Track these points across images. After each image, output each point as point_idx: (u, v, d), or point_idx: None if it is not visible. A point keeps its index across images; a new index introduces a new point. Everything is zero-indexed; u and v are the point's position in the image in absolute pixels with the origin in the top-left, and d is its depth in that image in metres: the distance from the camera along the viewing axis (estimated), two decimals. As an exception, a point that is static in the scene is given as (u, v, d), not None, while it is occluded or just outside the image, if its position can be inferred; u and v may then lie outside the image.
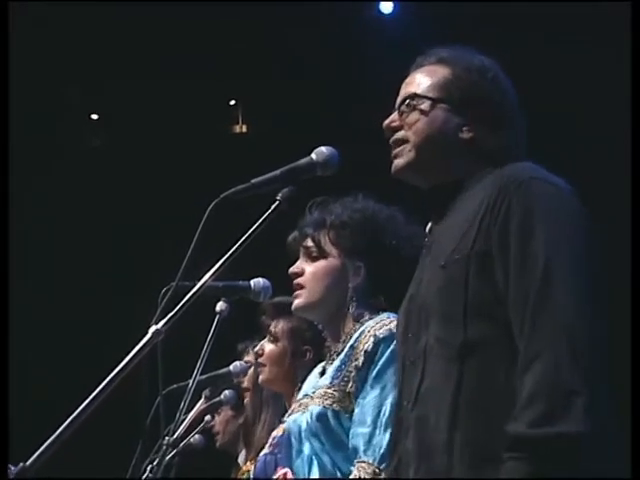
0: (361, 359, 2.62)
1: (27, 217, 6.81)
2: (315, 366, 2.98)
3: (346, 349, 2.68)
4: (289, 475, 2.99)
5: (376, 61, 6.20)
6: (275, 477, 2.87)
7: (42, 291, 7.08)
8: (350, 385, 2.63)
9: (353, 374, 2.63)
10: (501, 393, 1.90)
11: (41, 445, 1.74)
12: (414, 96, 2.20)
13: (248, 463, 3.85)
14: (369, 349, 2.62)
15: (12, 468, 1.75)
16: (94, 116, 7.37)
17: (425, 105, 2.18)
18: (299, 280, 2.80)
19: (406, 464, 2.08)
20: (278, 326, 3.49)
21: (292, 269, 2.82)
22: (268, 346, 3.50)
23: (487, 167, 2.13)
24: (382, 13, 6.63)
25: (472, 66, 2.20)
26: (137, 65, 6.71)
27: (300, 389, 3.14)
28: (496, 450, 1.85)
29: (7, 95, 3.19)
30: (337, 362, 2.69)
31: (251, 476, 3.62)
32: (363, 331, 2.66)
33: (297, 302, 2.81)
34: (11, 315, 5.26)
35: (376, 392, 2.57)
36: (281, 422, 3.44)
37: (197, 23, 6.48)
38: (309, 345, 3.38)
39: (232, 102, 7.33)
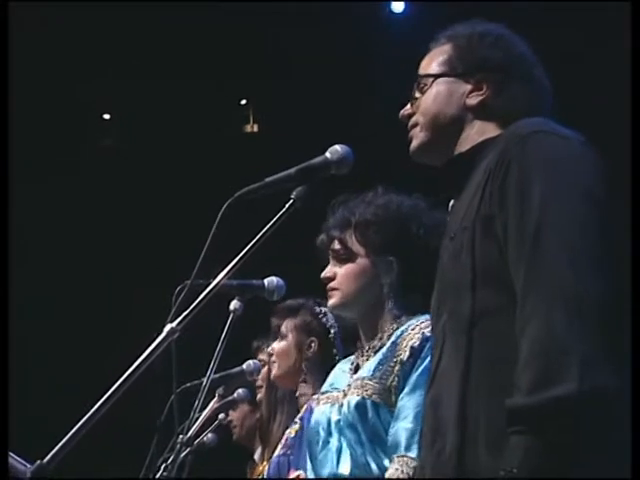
0: (406, 353, 2.62)
1: (35, 216, 6.83)
2: (325, 361, 3.00)
3: (387, 345, 2.67)
4: (302, 476, 2.99)
5: (387, 60, 6.20)
6: (289, 479, 2.88)
7: (54, 290, 7.10)
8: (392, 379, 2.62)
9: (397, 368, 2.62)
10: (512, 362, 1.79)
11: (53, 444, 1.75)
12: (419, 78, 2.22)
13: (265, 462, 3.87)
14: (416, 345, 2.61)
15: (28, 466, 1.76)
16: (106, 116, 7.39)
17: (428, 83, 2.19)
18: (332, 284, 2.80)
19: (425, 448, 2.03)
20: (285, 325, 3.58)
21: (324, 274, 2.82)
22: (277, 344, 3.61)
23: (502, 129, 2.09)
24: (393, 12, 6.64)
25: (473, 34, 2.19)
26: (147, 65, 6.72)
27: (306, 383, 3.18)
28: None
29: (7, 95, 3.19)
30: (379, 356, 2.68)
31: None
32: (407, 328, 2.66)
33: (332, 301, 2.81)
34: (20, 314, 5.29)
35: (421, 389, 2.53)
36: (295, 422, 3.47)
37: (208, 23, 6.49)
38: (314, 337, 3.49)
39: (243, 102, 7.34)
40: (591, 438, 1.72)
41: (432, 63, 2.21)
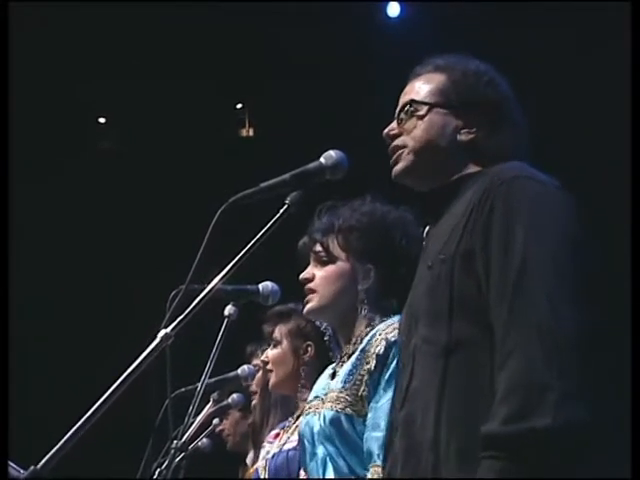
0: (373, 362, 2.62)
1: (35, 216, 6.84)
2: (322, 364, 3.00)
3: (357, 352, 2.68)
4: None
5: (384, 63, 6.20)
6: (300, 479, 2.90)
7: (54, 290, 7.10)
8: (362, 389, 2.63)
9: (365, 378, 2.63)
10: (485, 390, 1.90)
11: (52, 445, 1.75)
12: (412, 102, 2.23)
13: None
14: (381, 352, 2.61)
15: (22, 471, 1.76)
16: (101, 119, 7.39)
17: (423, 111, 2.21)
18: (310, 285, 2.80)
19: (395, 464, 2.09)
20: (278, 330, 3.55)
21: (302, 275, 2.83)
22: (272, 351, 3.57)
23: (485, 168, 2.15)
24: (389, 15, 6.64)
25: (468, 70, 2.23)
26: (143, 68, 6.71)
27: (306, 388, 3.17)
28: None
29: (7, 95, 3.20)
30: (348, 366, 2.69)
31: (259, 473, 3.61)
32: (374, 334, 2.66)
33: (309, 306, 2.81)
34: (20, 314, 5.29)
35: (389, 396, 2.54)
36: None
37: (204, 26, 6.48)
38: (310, 341, 3.45)
39: (239, 105, 7.34)
40: (561, 469, 1.79)
41: (425, 90, 2.23)
